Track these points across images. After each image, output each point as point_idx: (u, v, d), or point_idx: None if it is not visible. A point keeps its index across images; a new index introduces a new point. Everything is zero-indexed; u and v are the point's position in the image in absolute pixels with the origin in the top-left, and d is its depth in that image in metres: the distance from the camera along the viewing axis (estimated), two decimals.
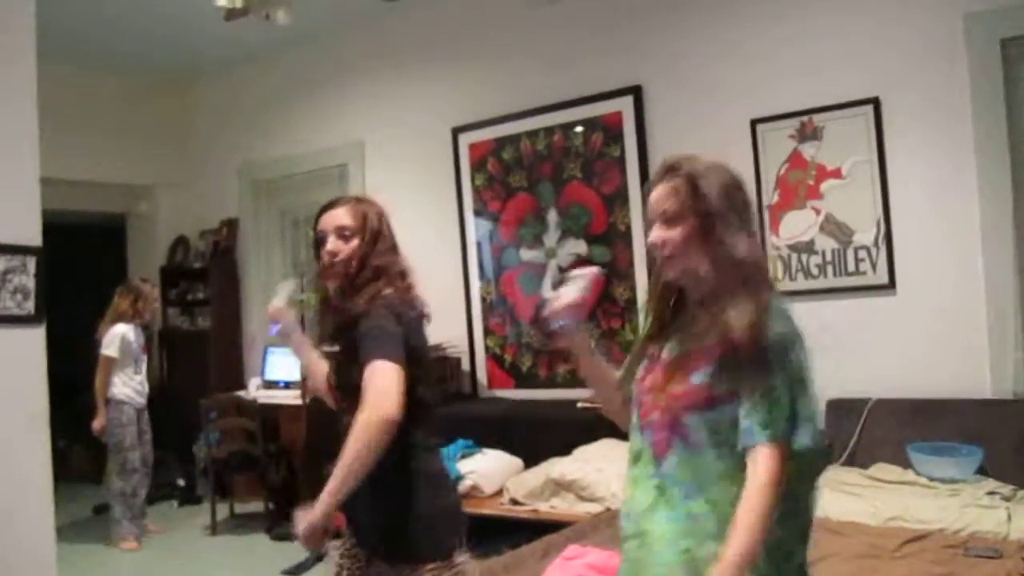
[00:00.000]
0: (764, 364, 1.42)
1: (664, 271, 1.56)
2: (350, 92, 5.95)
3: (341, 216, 2.06)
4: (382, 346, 1.85)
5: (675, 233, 1.51)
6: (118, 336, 5.10)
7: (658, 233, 1.53)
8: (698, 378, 1.48)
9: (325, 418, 2.15)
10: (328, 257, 2.02)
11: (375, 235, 2.05)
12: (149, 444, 5.31)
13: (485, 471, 4.20)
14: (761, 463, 1.39)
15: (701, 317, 1.52)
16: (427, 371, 2.06)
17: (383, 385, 1.79)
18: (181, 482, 6.35)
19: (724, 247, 1.48)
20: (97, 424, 5.10)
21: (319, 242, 2.07)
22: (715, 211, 1.49)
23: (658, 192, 1.55)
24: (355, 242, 2.03)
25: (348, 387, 1.95)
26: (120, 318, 5.16)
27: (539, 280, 4.98)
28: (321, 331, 2.14)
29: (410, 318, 2.00)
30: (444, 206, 5.37)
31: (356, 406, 1.82)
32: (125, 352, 5.11)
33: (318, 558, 4.61)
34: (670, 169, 1.55)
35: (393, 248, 2.10)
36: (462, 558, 1.95)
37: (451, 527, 1.97)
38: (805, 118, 4.07)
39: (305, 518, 1.85)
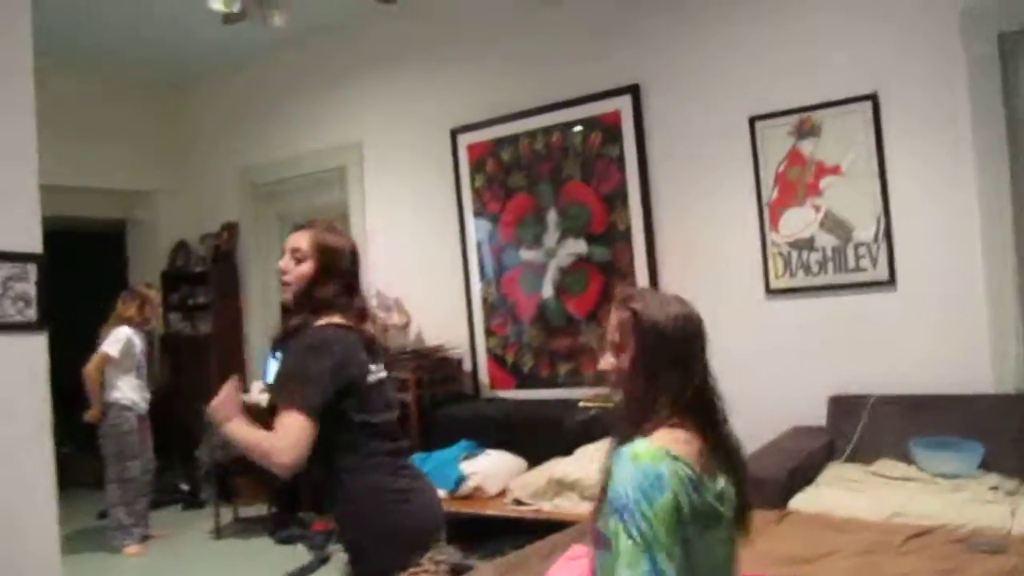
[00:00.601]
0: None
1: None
2: (348, 94, 5.95)
3: (299, 238, 2.15)
4: (298, 392, 1.95)
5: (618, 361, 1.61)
6: (122, 337, 5.09)
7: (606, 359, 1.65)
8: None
9: None
10: (278, 274, 2.14)
11: (326, 267, 2.12)
12: (150, 451, 5.31)
13: (488, 472, 4.21)
14: None
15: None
16: (364, 395, 2.08)
17: (286, 438, 1.92)
18: (184, 486, 6.36)
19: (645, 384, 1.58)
20: (91, 414, 5.08)
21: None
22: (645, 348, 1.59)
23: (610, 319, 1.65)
24: (305, 266, 2.11)
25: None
26: (127, 323, 5.16)
27: (540, 280, 4.98)
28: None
29: (343, 346, 2.04)
30: (444, 207, 5.38)
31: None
32: (127, 355, 5.10)
33: (322, 561, 4.61)
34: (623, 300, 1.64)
35: (347, 285, 2.15)
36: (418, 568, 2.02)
37: (399, 543, 2.04)
38: (803, 115, 4.07)
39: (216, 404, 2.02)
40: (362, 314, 2.15)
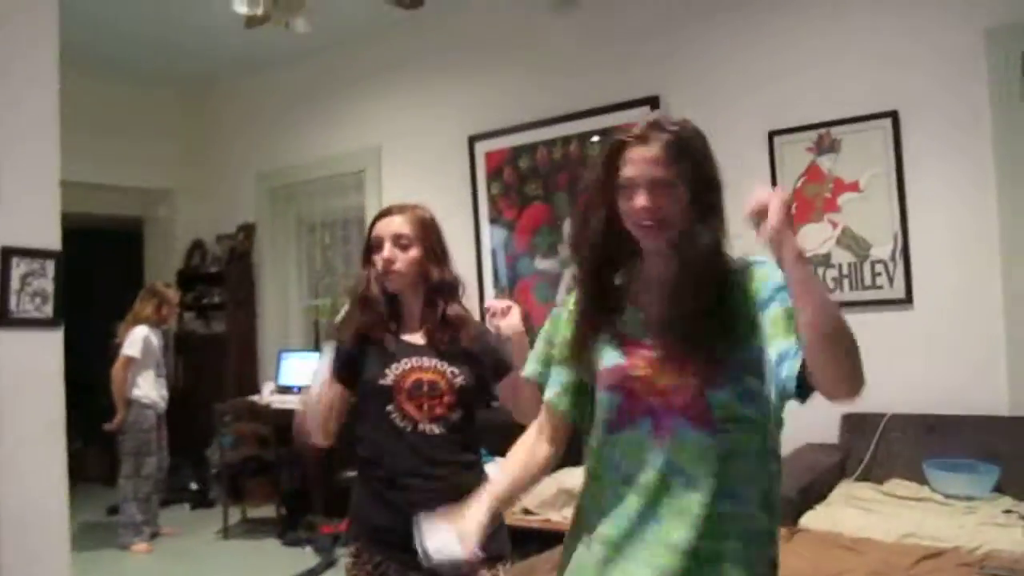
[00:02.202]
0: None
1: (646, 239, 1.45)
2: (367, 99, 5.97)
3: (399, 224, 2.09)
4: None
5: (669, 199, 1.42)
6: (140, 338, 5.13)
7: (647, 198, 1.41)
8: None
9: (339, 426, 2.16)
10: (384, 264, 2.04)
11: (438, 248, 2.13)
12: (166, 450, 5.35)
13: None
14: None
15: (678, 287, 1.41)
16: None
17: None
18: (194, 486, 6.38)
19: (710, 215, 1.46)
20: (114, 423, 5.13)
21: (371, 248, 2.09)
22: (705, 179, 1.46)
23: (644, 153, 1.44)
24: (414, 252, 2.07)
25: (467, 382, 2.05)
26: (144, 322, 5.20)
27: (554, 289, 4.98)
28: (370, 325, 2.09)
29: None
30: (460, 214, 5.38)
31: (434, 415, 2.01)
32: (147, 354, 5.15)
33: (328, 564, 4.62)
34: (654, 127, 1.46)
35: (449, 259, 2.17)
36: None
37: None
38: (823, 131, 4.06)
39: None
40: (461, 284, 2.18)
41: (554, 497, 3.94)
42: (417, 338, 2.07)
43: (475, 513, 1.53)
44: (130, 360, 5.09)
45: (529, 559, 2.98)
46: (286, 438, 5.52)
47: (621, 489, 1.44)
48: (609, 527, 1.44)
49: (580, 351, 1.52)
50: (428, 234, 2.11)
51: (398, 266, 2.04)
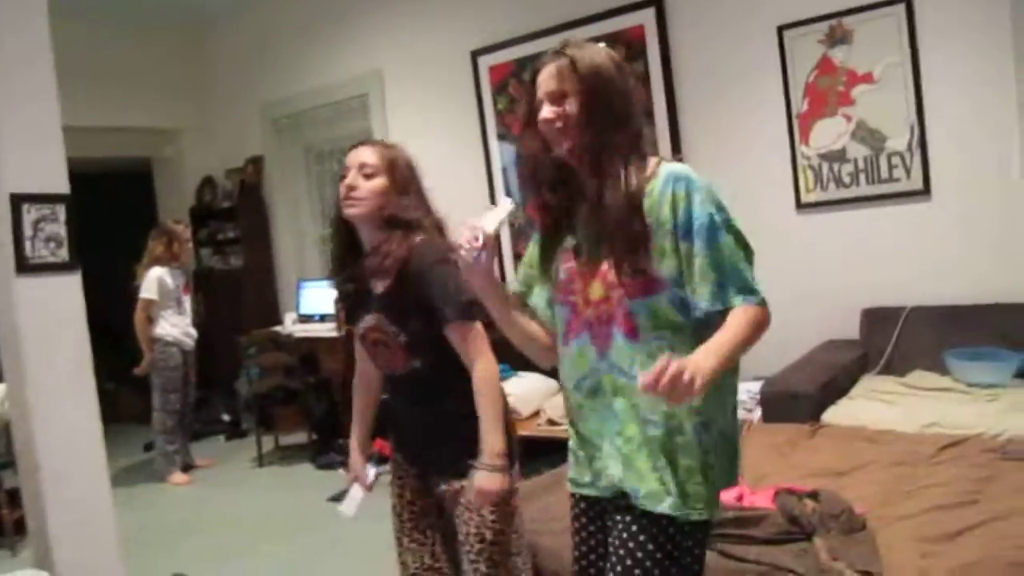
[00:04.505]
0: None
1: (555, 145, 1.58)
2: (365, 22, 5.85)
3: (366, 154, 2.04)
4: (468, 307, 1.93)
5: (564, 108, 1.55)
6: (155, 279, 5.17)
7: (550, 109, 1.56)
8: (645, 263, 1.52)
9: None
10: (345, 190, 2.00)
11: (403, 181, 2.04)
12: (192, 386, 5.44)
13: (521, 394, 4.26)
14: (750, 312, 1.49)
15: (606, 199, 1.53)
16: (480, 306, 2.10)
17: (483, 347, 1.97)
18: (226, 417, 6.52)
19: (610, 122, 1.54)
20: (141, 367, 5.23)
21: (342, 177, 2.06)
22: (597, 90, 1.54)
23: (544, 73, 1.58)
24: (377, 181, 2.01)
25: (413, 337, 2.01)
26: (157, 262, 5.22)
27: None
28: (342, 265, 2.12)
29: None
30: (467, 132, 5.32)
31: (411, 353, 2.02)
32: (164, 294, 5.19)
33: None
34: (556, 52, 1.59)
35: (424, 200, 2.09)
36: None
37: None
38: (834, 21, 3.93)
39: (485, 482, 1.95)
40: (441, 228, 2.09)
41: None
42: (379, 285, 2.04)
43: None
44: (148, 303, 5.14)
45: (558, 468, 3.03)
46: (312, 366, 5.61)
47: (578, 395, 1.64)
48: (583, 428, 1.66)
49: (543, 269, 1.70)
50: (396, 167, 2.04)
51: (357, 192, 1.99)
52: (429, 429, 2.10)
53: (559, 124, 1.54)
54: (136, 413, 6.18)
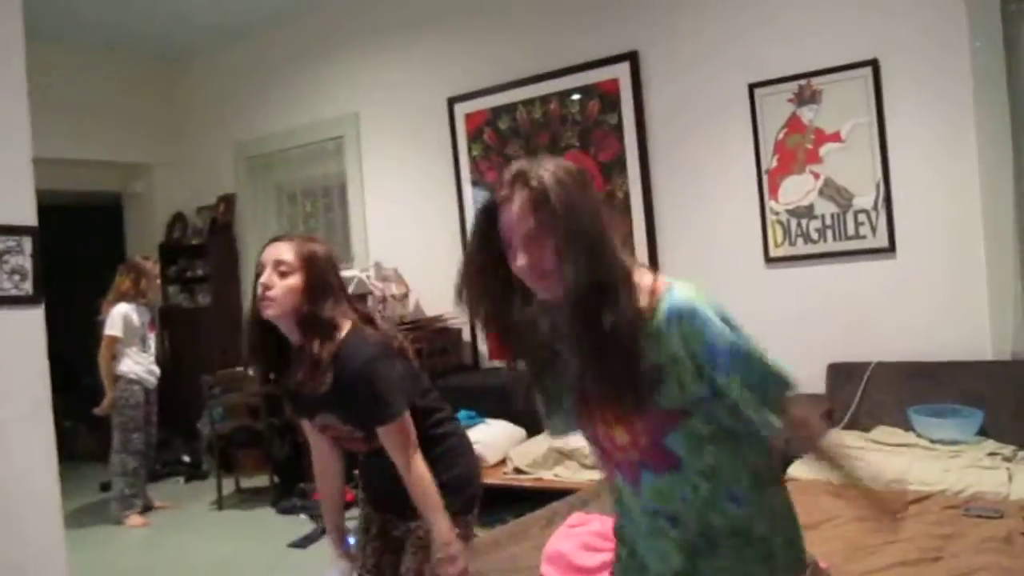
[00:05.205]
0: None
1: (544, 295, 1.36)
2: (344, 65, 5.89)
3: (282, 250, 2.00)
4: (392, 403, 1.97)
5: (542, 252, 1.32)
6: (120, 316, 5.08)
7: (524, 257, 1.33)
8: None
9: None
10: (261, 289, 1.97)
11: (319, 279, 2.00)
12: (155, 425, 5.33)
13: (488, 441, 4.22)
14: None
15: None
16: (419, 379, 2.17)
17: (407, 442, 2.00)
18: (186, 459, 6.38)
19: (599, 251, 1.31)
20: (103, 406, 5.11)
21: (257, 274, 2.02)
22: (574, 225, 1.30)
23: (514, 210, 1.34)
24: (293, 279, 1.97)
25: (369, 431, 2.05)
26: (123, 297, 5.13)
27: None
28: (270, 365, 2.12)
29: (392, 347, 2.07)
30: (441, 177, 5.34)
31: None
32: (129, 331, 5.10)
33: (324, 530, 4.64)
34: (515, 182, 1.35)
35: (340, 295, 2.06)
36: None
37: (461, 493, 2.14)
38: (803, 81, 4.04)
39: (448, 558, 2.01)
40: (370, 320, 2.09)
41: (544, 456, 3.97)
42: (320, 387, 2.00)
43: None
44: (113, 339, 5.05)
45: (524, 517, 3.00)
46: (276, 407, 5.53)
47: (627, 524, 1.54)
48: (626, 547, 1.56)
49: (549, 409, 1.55)
50: (314, 265, 1.99)
51: (272, 292, 1.95)
52: (392, 478, 2.09)
53: (538, 274, 1.33)
54: (93, 452, 6.03)
